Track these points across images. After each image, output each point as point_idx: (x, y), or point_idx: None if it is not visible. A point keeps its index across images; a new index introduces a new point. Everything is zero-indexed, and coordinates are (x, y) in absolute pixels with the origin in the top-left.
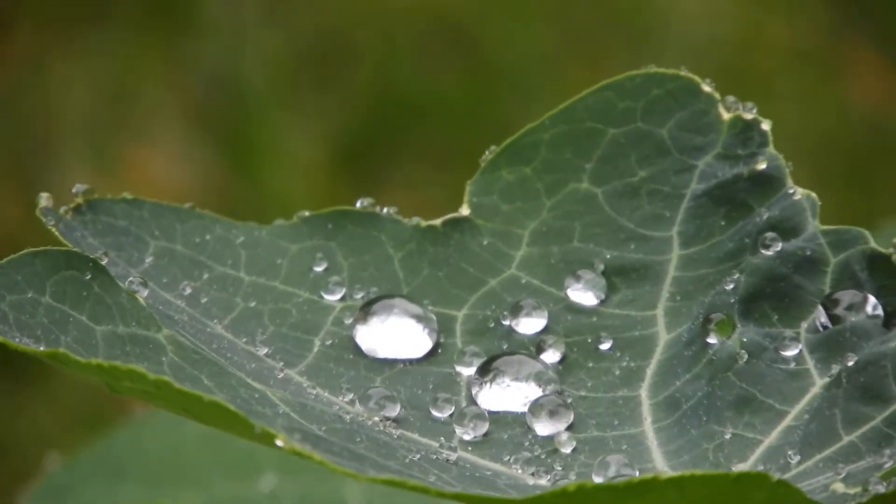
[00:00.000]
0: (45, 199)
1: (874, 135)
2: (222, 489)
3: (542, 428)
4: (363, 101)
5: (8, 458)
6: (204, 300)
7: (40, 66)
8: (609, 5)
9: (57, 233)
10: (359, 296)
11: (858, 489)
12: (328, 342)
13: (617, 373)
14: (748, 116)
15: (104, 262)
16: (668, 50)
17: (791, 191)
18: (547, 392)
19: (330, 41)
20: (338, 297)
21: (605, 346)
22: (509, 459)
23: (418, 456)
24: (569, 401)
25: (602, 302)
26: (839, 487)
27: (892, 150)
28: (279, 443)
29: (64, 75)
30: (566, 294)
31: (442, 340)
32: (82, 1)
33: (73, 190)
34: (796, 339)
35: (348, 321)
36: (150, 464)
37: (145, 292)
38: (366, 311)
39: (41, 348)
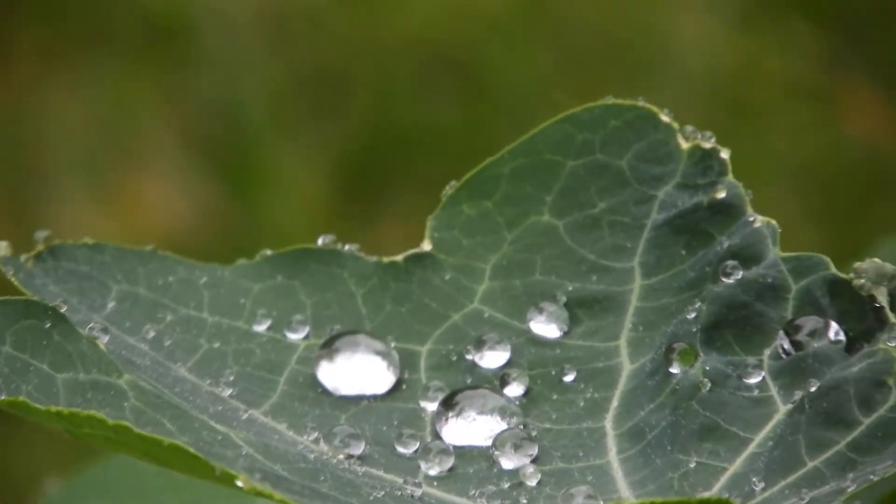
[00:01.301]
0: (3, 248)
1: (867, 166)
2: None
3: (507, 461)
4: (361, 130)
5: (6, 485)
6: (167, 343)
7: (37, 94)
8: (607, 35)
9: (16, 282)
10: (322, 333)
11: None
12: (293, 381)
13: (581, 404)
14: (707, 145)
15: (63, 309)
16: (665, 80)
17: (751, 219)
18: (511, 425)
19: (328, 72)
20: (301, 335)
21: (568, 377)
22: (475, 493)
23: (382, 493)
24: (533, 433)
25: (565, 334)
26: None
27: (886, 182)
28: (240, 483)
29: (61, 104)
30: (529, 327)
31: (406, 376)
32: (80, 30)
33: (35, 236)
34: (759, 366)
35: (312, 359)
36: (147, 487)
37: (106, 338)
38: (329, 348)
39: (2, 397)
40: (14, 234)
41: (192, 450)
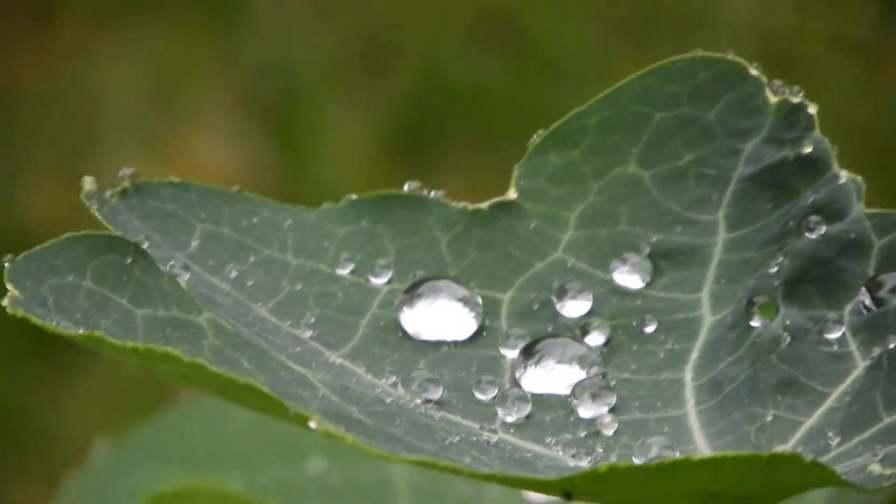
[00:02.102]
0: (88, 183)
1: None
2: (269, 472)
3: (585, 410)
4: (411, 90)
5: (58, 444)
6: (250, 283)
7: (88, 55)
8: None
9: (100, 217)
10: (405, 278)
11: (894, 470)
12: (374, 325)
13: (661, 355)
14: (795, 100)
15: (146, 245)
16: (713, 40)
17: (836, 174)
18: (590, 374)
19: (378, 32)
20: (384, 280)
21: (649, 328)
22: (551, 441)
23: (458, 438)
24: (612, 383)
25: (648, 285)
26: (875, 469)
27: None
28: (312, 424)
29: (112, 65)
30: (612, 277)
31: (487, 323)
32: None
33: (120, 174)
34: (839, 321)
35: (394, 304)
36: (195, 448)
37: (187, 276)
38: (411, 293)
39: (80, 331)
40: (66, 193)
41: (266, 389)
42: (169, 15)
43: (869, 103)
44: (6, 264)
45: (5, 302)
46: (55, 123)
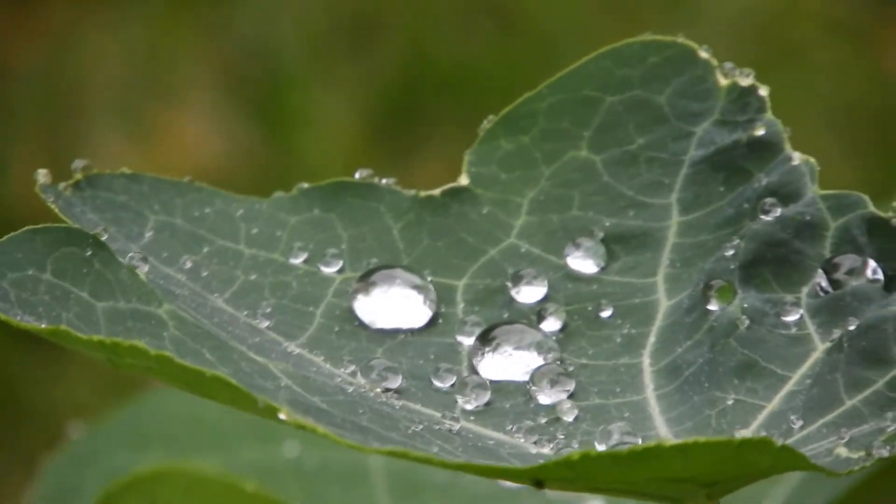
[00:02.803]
0: (42, 176)
1: None
2: (246, 454)
3: (544, 397)
4: (398, 70)
5: (45, 426)
6: (204, 274)
7: (74, 33)
8: None
9: (56, 209)
10: (359, 267)
11: (862, 453)
12: (330, 314)
13: (618, 340)
14: (746, 82)
15: (104, 237)
16: (702, 18)
17: (789, 156)
18: (548, 360)
19: (365, 11)
20: (338, 268)
21: (605, 313)
22: (512, 428)
23: (421, 426)
24: (570, 369)
25: (602, 269)
26: (842, 452)
27: None
28: (282, 416)
29: (97, 44)
30: (566, 262)
31: (443, 310)
32: None
33: (73, 166)
34: (797, 304)
35: (349, 292)
36: (174, 430)
37: (146, 267)
38: (366, 281)
39: (43, 325)
40: (52, 172)
41: (234, 381)
42: None
43: (863, 82)
44: None
45: None
46: (41, 103)
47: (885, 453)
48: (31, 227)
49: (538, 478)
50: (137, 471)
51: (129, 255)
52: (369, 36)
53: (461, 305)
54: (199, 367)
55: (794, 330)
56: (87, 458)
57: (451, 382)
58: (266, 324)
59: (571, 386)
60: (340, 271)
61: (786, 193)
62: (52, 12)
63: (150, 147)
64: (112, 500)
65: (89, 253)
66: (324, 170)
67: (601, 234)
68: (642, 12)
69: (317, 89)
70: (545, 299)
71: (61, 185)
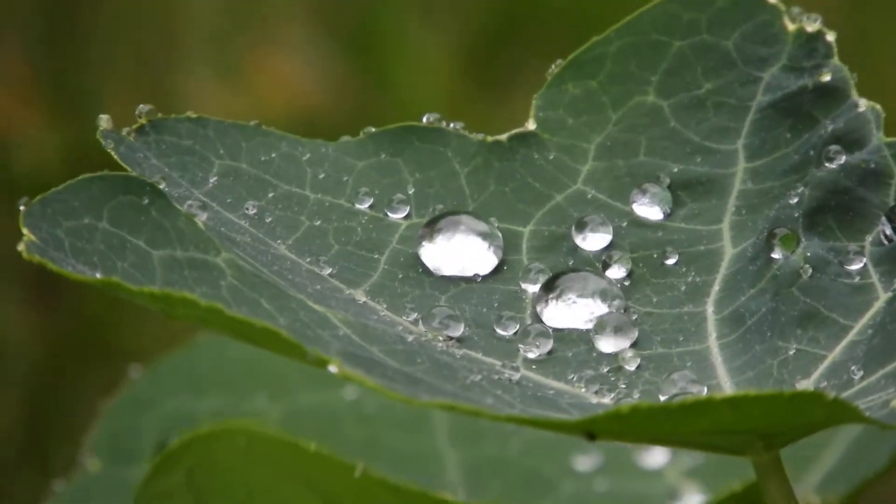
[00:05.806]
0: (104, 122)
1: None
2: (306, 397)
3: (607, 345)
4: (494, 7)
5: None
6: (269, 220)
7: None
8: None
9: (116, 156)
10: (425, 212)
11: None
12: (394, 261)
13: (682, 288)
14: (813, 28)
15: (163, 185)
16: None
17: (855, 103)
18: (612, 309)
19: None
20: (404, 214)
21: (670, 260)
22: (573, 378)
23: (480, 376)
24: (634, 317)
25: (668, 216)
26: None
27: None
28: (332, 368)
29: None
30: (632, 208)
31: (507, 257)
32: None
33: (137, 111)
34: (860, 252)
35: (414, 239)
36: (232, 374)
37: (205, 215)
38: (431, 228)
39: (97, 275)
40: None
41: (284, 333)
42: None
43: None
44: (21, 208)
45: (21, 247)
46: (133, 41)
47: None
48: (89, 174)
49: (589, 430)
50: (197, 429)
51: (188, 202)
52: None
53: (526, 252)
54: (249, 319)
55: (856, 279)
56: (145, 402)
57: (514, 330)
58: (329, 270)
59: (635, 334)
60: (406, 217)
61: (851, 140)
62: None
63: (242, 84)
64: (170, 460)
65: (147, 201)
66: (419, 105)
67: (667, 181)
68: None
69: (410, 22)
70: (610, 246)
71: (125, 131)
